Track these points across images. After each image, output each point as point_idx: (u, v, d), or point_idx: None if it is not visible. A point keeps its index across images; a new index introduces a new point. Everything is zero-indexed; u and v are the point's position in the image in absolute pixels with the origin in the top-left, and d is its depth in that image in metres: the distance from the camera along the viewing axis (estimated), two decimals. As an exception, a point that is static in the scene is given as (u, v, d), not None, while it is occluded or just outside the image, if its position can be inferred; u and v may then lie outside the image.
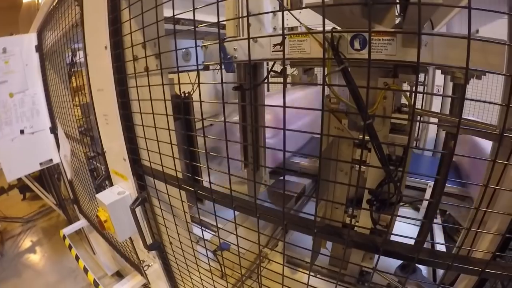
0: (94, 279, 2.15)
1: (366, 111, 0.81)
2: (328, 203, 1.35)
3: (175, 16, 0.78)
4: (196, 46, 0.89)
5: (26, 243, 3.68)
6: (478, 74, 1.02)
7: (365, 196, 1.15)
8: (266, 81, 1.92)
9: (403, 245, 0.67)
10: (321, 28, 0.65)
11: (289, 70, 2.01)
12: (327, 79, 0.82)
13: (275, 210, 0.77)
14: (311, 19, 0.92)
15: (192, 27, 0.80)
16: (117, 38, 1.04)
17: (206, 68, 1.15)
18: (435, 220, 2.64)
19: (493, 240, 1.03)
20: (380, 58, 0.79)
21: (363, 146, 1.07)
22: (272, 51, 0.97)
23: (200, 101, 0.82)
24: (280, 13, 1.62)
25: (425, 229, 1.48)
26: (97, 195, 1.32)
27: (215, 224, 0.96)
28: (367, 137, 0.84)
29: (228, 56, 1.03)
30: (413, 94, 0.74)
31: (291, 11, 1.33)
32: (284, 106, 0.65)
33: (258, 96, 1.84)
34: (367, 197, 1.14)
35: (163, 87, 0.89)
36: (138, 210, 1.24)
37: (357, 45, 0.79)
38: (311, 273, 0.78)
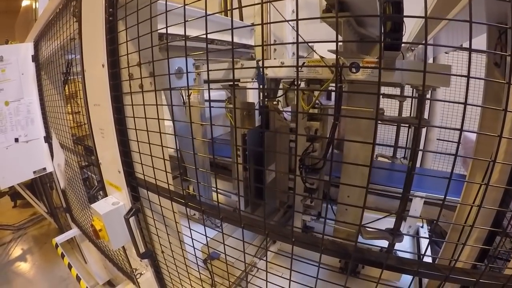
0: (87, 287, 2.16)
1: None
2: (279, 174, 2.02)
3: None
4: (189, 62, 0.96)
5: (17, 251, 3.66)
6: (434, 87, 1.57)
7: (297, 165, 1.77)
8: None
9: (372, 252, 0.73)
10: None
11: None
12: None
13: (258, 221, 0.83)
14: (324, 51, 1.20)
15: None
16: (114, 58, 1.10)
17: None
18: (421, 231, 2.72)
19: (472, 248, 1.11)
20: (369, 80, 1.15)
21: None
22: (295, 71, 1.35)
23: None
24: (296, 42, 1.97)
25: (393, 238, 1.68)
26: (92, 205, 1.36)
27: (206, 234, 1.01)
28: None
29: (261, 74, 1.41)
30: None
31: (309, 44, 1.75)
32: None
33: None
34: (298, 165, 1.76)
35: (156, 107, 0.95)
36: (131, 220, 1.29)
37: (353, 69, 1.16)
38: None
